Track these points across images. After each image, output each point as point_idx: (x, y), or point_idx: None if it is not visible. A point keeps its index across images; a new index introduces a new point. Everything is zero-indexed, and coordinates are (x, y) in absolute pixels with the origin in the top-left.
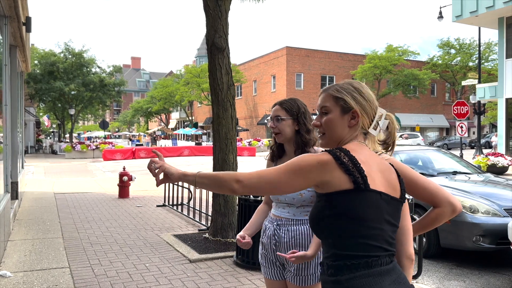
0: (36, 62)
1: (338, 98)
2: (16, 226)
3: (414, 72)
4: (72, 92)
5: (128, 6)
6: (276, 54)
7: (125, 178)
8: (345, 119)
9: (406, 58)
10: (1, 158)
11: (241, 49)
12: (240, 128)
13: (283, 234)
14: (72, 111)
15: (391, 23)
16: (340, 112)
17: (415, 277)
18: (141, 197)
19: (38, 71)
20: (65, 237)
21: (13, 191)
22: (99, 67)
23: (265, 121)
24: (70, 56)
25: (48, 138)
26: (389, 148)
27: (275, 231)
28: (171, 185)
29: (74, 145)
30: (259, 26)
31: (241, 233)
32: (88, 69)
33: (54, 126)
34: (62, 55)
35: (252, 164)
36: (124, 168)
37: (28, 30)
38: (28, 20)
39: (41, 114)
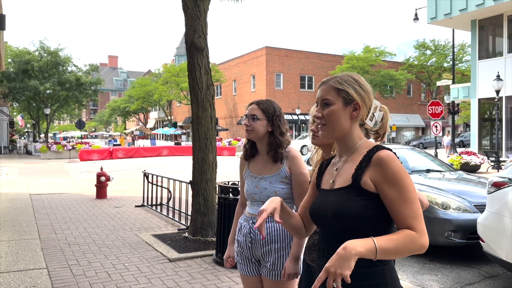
0: (9, 60)
1: (340, 90)
2: None
3: (390, 72)
4: (48, 91)
5: (105, 5)
6: (255, 54)
7: (103, 178)
8: (347, 111)
9: (383, 59)
10: None
11: (220, 49)
12: (220, 128)
13: (258, 232)
14: (47, 111)
15: (369, 25)
16: (343, 103)
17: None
18: (119, 197)
19: (12, 69)
20: (42, 238)
21: None
22: (75, 65)
23: (241, 117)
24: (45, 55)
25: (23, 138)
26: (379, 138)
27: (251, 229)
28: (149, 185)
29: (49, 146)
30: (238, 26)
31: (226, 254)
32: (64, 67)
33: (28, 126)
34: (37, 53)
35: (232, 163)
36: (101, 169)
37: (2, 28)
38: (1, 18)
39: (15, 113)
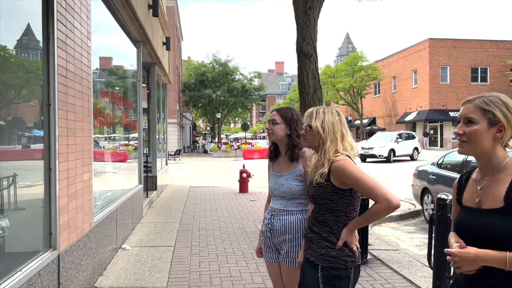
0: (191, 73)
1: (487, 111)
2: (149, 212)
3: None
4: (219, 98)
5: (272, 16)
6: (417, 48)
7: (244, 175)
8: (490, 132)
9: None
10: (152, 158)
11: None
12: (377, 128)
13: (275, 223)
14: (218, 115)
15: None
16: (488, 124)
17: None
18: (258, 192)
19: (192, 81)
20: (181, 223)
21: (153, 183)
22: (241, 74)
23: (266, 122)
24: (217, 66)
25: (202, 139)
26: None
27: (270, 220)
28: None
29: (219, 146)
30: (396, 20)
31: (257, 245)
32: (232, 76)
33: (208, 128)
34: (210, 65)
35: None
36: (243, 166)
37: (168, 48)
38: (167, 40)
39: (197, 118)
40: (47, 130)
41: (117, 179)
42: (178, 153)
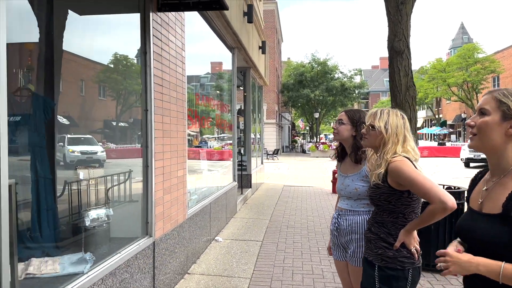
0: (290, 74)
1: (502, 103)
2: (243, 208)
3: None
4: (318, 98)
5: (376, 9)
6: None
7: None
8: (503, 126)
9: None
10: (245, 157)
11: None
12: None
13: (342, 222)
14: (316, 115)
15: None
16: (501, 117)
17: None
18: None
19: (291, 81)
20: (271, 220)
21: (248, 181)
22: (341, 72)
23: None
24: (316, 66)
25: (302, 139)
26: None
27: (337, 220)
28: None
29: (317, 145)
30: None
31: (328, 244)
32: (331, 75)
33: (307, 128)
34: (309, 65)
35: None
36: (337, 166)
37: (263, 52)
38: (263, 44)
39: (296, 118)
40: (145, 132)
41: (212, 176)
42: (276, 152)
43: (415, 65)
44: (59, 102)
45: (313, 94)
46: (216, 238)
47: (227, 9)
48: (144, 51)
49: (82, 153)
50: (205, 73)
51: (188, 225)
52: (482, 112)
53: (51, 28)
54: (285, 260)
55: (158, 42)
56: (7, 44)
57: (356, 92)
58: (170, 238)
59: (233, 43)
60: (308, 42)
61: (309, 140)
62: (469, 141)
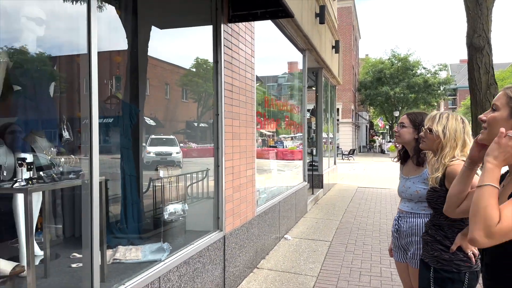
0: (368, 71)
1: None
2: (314, 208)
3: None
4: (399, 95)
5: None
6: None
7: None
8: (510, 123)
9: None
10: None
11: None
12: None
13: (402, 224)
14: (396, 113)
15: None
16: (509, 114)
17: None
18: None
19: (369, 79)
20: (342, 221)
21: (319, 182)
22: (424, 68)
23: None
24: (396, 62)
25: (381, 138)
26: None
27: (397, 221)
28: None
29: (397, 145)
30: None
31: (389, 245)
32: (412, 71)
33: (387, 127)
34: (389, 61)
35: None
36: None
37: (337, 51)
38: (336, 44)
39: (374, 117)
40: (216, 134)
41: (282, 176)
42: (351, 152)
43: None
44: (147, 104)
45: (392, 92)
46: (285, 236)
47: (292, 16)
48: (215, 60)
49: (157, 154)
50: (278, 75)
51: (257, 222)
52: (493, 108)
53: (136, 40)
54: (353, 261)
55: (228, 51)
56: (100, 55)
57: (441, 88)
58: (240, 233)
59: (303, 45)
60: (388, 37)
61: (388, 139)
62: (480, 135)
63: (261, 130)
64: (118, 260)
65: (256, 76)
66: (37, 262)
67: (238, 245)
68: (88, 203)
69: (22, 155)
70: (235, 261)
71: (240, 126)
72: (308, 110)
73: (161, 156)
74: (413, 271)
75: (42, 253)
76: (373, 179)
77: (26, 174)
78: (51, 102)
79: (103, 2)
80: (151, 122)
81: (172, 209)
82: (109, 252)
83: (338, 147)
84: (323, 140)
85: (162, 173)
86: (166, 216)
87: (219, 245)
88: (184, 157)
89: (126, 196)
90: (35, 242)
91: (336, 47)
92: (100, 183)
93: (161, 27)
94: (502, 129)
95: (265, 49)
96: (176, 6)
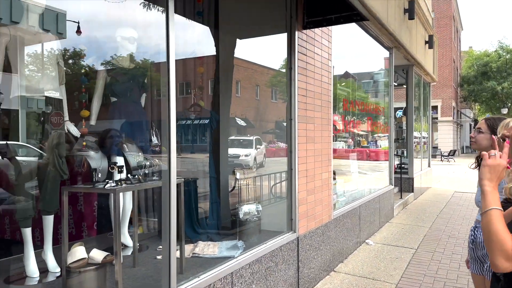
0: (471, 65)
1: None
2: (401, 213)
3: None
4: (508, 90)
5: None
6: None
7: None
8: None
9: None
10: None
11: None
12: None
13: (478, 235)
14: (504, 110)
15: None
16: None
17: None
18: None
19: (472, 73)
20: (431, 228)
21: (409, 185)
22: None
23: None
24: (503, 54)
25: None
26: None
27: (473, 232)
28: None
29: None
30: None
31: (466, 257)
32: None
33: None
34: (495, 53)
35: None
36: None
37: (430, 47)
38: (430, 39)
39: (479, 114)
40: (290, 139)
41: (364, 179)
42: (452, 153)
43: None
44: (238, 106)
45: (500, 87)
46: (366, 241)
47: (367, 20)
48: (290, 66)
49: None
50: (363, 77)
51: (334, 226)
52: None
53: (218, 52)
54: (439, 271)
55: (303, 57)
56: (185, 65)
57: None
58: (315, 236)
59: (390, 43)
60: (494, 27)
61: None
62: None
63: (354, 130)
64: (196, 255)
65: (348, 72)
66: (129, 252)
67: (312, 247)
68: (166, 202)
69: (115, 159)
70: (310, 262)
71: (315, 130)
72: (400, 109)
73: (230, 158)
74: (489, 284)
75: (132, 244)
76: (473, 184)
77: (117, 176)
78: (142, 111)
79: (187, 18)
80: (242, 123)
81: (246, 209)
82: (190, 247)
83: (436, 147)
84: (415, 140)
85: (238, 174)
86: (241, 216)
87: (293, 246)
88: (272, 156)
89: (210, 196)
90: (127, 234)
91: (429, 43)
92: (179, 184)
93: (240, 37)
94: (484, 153)
95: (347, 48)
96: (253, 17)
